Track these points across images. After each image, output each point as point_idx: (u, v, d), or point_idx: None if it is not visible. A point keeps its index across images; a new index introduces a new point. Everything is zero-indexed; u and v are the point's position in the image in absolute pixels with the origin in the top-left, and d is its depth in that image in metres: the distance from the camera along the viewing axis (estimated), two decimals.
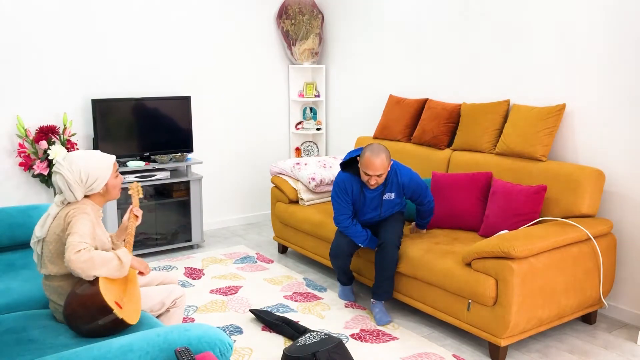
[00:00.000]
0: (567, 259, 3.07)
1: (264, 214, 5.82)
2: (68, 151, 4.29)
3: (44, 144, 4.22)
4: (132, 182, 4.43)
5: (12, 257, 3.02)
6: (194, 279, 4.14)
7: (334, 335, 3.15)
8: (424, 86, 4.66)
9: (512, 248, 2.83)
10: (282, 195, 4.53)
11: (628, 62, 3.35)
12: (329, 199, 4.51)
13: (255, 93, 5.57)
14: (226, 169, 5.50)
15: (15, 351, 2.05)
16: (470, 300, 3.05)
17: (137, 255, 4.53)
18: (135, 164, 4.56)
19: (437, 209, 3.74)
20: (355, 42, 5.32)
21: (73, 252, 2.12)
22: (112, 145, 4.53)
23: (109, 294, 2.14)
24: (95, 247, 2.31)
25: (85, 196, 2.38)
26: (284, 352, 2.83)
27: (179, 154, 4.78)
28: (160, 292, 2.61)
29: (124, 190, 4.45)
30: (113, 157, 2.45)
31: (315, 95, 5.74)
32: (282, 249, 4.75)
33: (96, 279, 2.16)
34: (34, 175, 4.27)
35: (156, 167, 4.62)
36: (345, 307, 3.69)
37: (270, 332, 3.33)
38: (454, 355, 3.07)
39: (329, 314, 3.58)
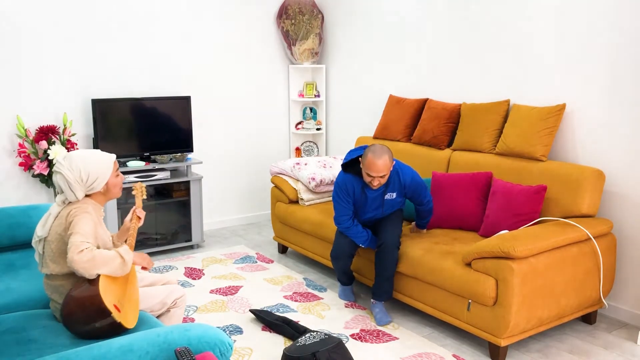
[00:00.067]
0: (567, 259, 3.07)
1: (264, 214, 5.82)
2: (68, 151, 4.28)
3: (44, 144, 4.22)
4: (136, 182, 4.43)
5: (12, 257, 3.02)
6: (194, 279, 4.14)
7: (334, 335, 3.15)
8: (424, 86, 4.66)
9: (512, 248, 2.83)
10: (282, 195, 4.53)
11: (628, 62, 3.35)
12: (329, 199, 4.51)
13: (255, 93, 5.57)
14: (226, 169, 5.50)
15: (15, 351, 2.05)
16: (470, 300, 3.05)
17: None
18: (135, 164, 4.56)
19: (437, 209, 3.74)
20: (355, 42, 5.32)
21: (76, 252, 2.13)
22: (112, 145, 4.53)
23: (108, 296, 2.14)
24: (97, 246, 2.32)
25: (87, 195, 2.38)
26: (284, 352, 2.83)
27: (179, 154, 4.78)
28: (161, 292, 2.61)
29: (125, 189, 4.45)
30: (113, 156, 2.45)
31: (315, 95, 5.74)
32: (282, 249, 4.75)
33: (96, 279, 2.16)
34: (34, 175, 4.27)
35: (156, 167, 4.62)
36: (345, 307, 3.69)
37: (270, 332, 3.33)
38: (454, 355, 3.07)
39: (329, 314, 3.58)
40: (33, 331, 2.22)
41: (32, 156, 4.26)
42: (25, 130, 4.26)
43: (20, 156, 4.26)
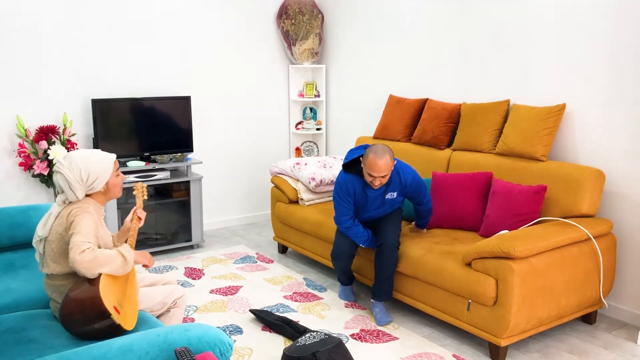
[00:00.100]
0: (567, 259, 3.07)
1: (264, 214, 5.82)
2: (68, 151, 4.28)
3: (44, 144, 4.22)
4: (137, 182, 4.43)
5: (12, 257, 3.02)
6: (194, 279, 4.14)
7: (334, 335, 3.15)
8: (424, 86, 4.66)
9: (512, 248, 2.83)
10: (282, 195, 4.53)
11: (628, 62, 3.35)
12: (329, 199, 4.51)
13: (255, 93, 5.57)
14: (226, 168, 5.50)
15: (15, 351, 2.05)
16: (470, 300, 3.05)
17: None
18: (135, 164, 4.56)
19: (437, 209, 3.74)
20: (355, 42, 5.32)
21: (77, 252, 2.13)
22: (112, 145, 4.53)
23: (108, 297, 2.14)
24: (98, 246, 2.32)
25: (87, 195, 2.38)
26: (284, 352, 2.83)
27: (179, 154, 4.78)
28: (161, 292, 2.61)
29: (125, 189, 4.45)
30: (113, 156, 2.45)
31: (315, 95, 5.74)
32: (282, 249, 4.75)
33: (96, 279, 2.16)
34: (34, 175, 4.27)
35: (156, 167, 4.62)
36: (345, 307, 3.69)
37: (270, 332, 3.33)
38: (454, 355, 3.07)
39: (329, 314, 3.58)
40: (33, 331, 2.22)
41: (32, 156, 4.26)
42: (25, 130, 4.26)
43: (20, 156, 4.26)
